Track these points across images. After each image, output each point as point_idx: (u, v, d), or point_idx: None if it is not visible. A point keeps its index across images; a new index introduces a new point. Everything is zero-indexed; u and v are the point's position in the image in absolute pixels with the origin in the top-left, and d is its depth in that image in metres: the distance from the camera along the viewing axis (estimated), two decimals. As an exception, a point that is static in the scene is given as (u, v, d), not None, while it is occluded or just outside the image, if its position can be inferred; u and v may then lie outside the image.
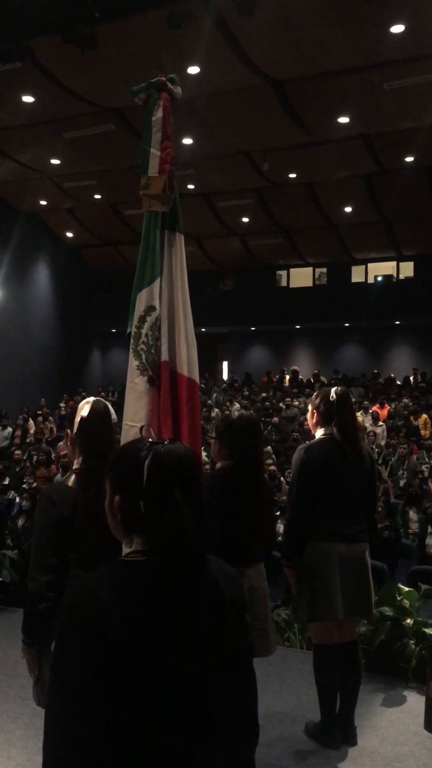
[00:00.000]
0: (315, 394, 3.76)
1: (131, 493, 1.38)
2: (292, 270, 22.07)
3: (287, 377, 19.10)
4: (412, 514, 9.03)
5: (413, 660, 4.42)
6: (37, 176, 15.88)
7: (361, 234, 18.41)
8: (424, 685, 4.00)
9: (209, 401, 16.70)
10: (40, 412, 16.43)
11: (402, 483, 10.70)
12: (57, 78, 10.85)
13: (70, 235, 20.76)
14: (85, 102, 11.69)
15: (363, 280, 20.82)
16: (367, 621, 4.53)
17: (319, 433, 3.61)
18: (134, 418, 3.13)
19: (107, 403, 2.67)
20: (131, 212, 16.98)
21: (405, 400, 15.60)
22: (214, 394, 17.75)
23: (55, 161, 14.85)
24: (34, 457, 12.08)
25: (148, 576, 1.33)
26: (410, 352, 20.25)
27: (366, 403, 14.94)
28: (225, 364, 22.96)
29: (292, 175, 15.59)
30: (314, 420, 3.65)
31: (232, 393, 17.54)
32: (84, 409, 2.57)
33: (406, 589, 4.88)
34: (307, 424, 4.07)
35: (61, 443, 12.51)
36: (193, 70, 10.27)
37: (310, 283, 21.78)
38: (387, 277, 20.41)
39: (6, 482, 11.22)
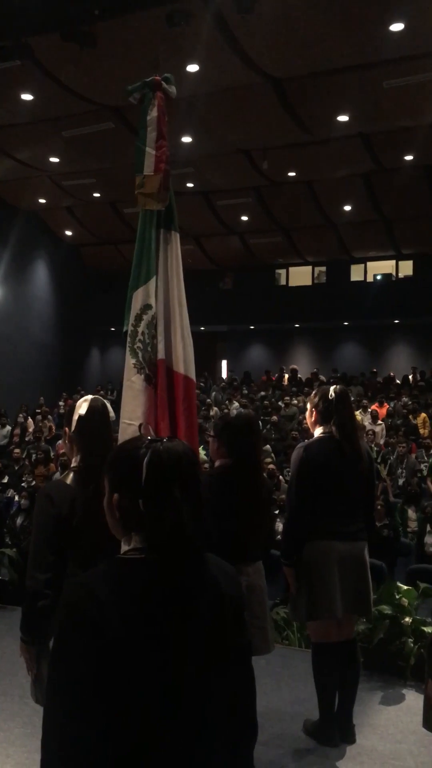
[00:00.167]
0: (314, 392, 3.76)
1: (130, 491, 1.38)
2: (291, 269, 22.07)
3: (286, 376, 19.10)
4: (411, 513, 9.03)
5: (412, 658, 4.42)
6: (37, 174, 15.86)
7: (361, 233, 18.42)
8: (423, 684, 4.00)
9: (208, 400, 16.70)
10: (39, 411, 16.42)
11: (401, 482, 10.71)
12: (56, 76, 10.83)
13: (69, 233, 20.75)
14: (85, 100, 11.67)
15: (362, 278, 20.82)
16: (366, 619, 4.53)
17: (318, 431, 3.61)
18: (131, 416, 3.13)
19: (105, 401, 2.67)
20: (130, 211, 16.96)
21: (404, 399, 15.60)
22: (213, 393, 17.75)
23: (54, 159, 14.83)
24: (33, 456, 12.07)
25: (147, 574, 1.33)
26: (409, 351, 20.26)
27: (365, 401, 14.94)
28: (224, 363, 22.96)
29: (292, 174, 15.59)
30: (313, 418, 3.65)
31: (231, 392, 17.54)
32: (82, 407, 2.57)
33: (405, 587, 4.88)
34: (306, 423, 4.07)
35: (59, 442, 12.52)
36: (193, 68, 10.25)
37: (309, 282, 21.78)
38: (386, 276, 20.42)
39: (5, 481, 11.21)
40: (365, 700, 4.11)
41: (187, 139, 13.11)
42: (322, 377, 17.75)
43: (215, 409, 15.18)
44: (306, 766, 3.44)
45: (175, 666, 1.31)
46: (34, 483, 10.13)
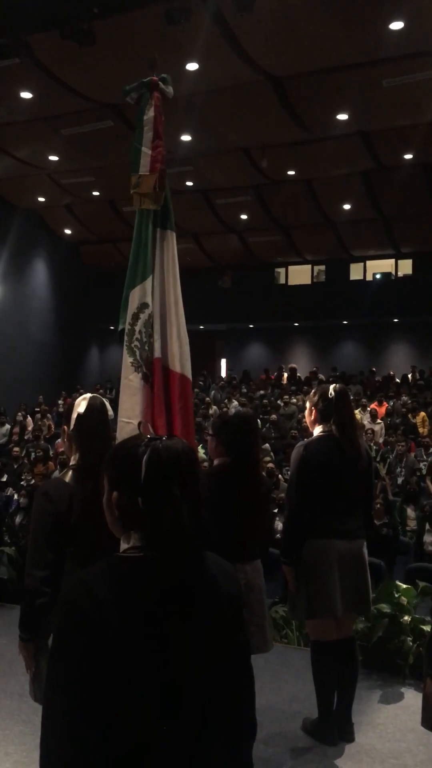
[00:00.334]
0: (313, 391, 3.76)
1: (129, 490, 1.37)
2: (290, 267, 22.06)
3: (285, 375, 19.10)
4: (410, 512, 9.04)
5: (410, 657, 4.42)
6: (35, 173, 15.85)
7: (360, 231, 18.41)
8: (422, 682, 4.00)
9: (207, 398, 16.69)
10: (38, 409, 16.42)
11: (400, 480, 10.71)
12: (55, 74, 10.82)
13: (68, 231, 20.74)
14: (84, 98, 11.66)
15: (361, 277, 20.82)
16: (365, 618, 4.54)
17: (317, 430, 3.61)
18: (129, 415, 3.14)
19: (104, 399, 2.67)
20: (129, 209, 16.87)
21: (404, 398, 15.61)
22: (212, 392, 17.74)
23: (53, 158, 14.81)
24: (32, 454, 12.06)
25: (146, 572, 1.33)
26: (408, 350, 20.26)
27: (364, 400, 14.94)
28: (223, 362, 22.96)
29: (291, 172, 15.58)
30: (312, 417, 3.65)
31: (230, 390, 17.54)
32: (81, 405, 2.56)
33: (404, 586, 4.89)
34: (305, 422, 4.07)
35: (58, 440, 12.51)
36: (192, 66, 10.25)
37: (308, 281, 21.77)
38: (385, 275, 20.41)
39: (4, 479, 11.22)
40: (364, 698, 4.11)
41: (186, 138, 13.10)
42: (321, 376, 17.74)
43: (214, 407, 15.17)
44: (305, 764, 3.44)
45: (175, 665, 1.30)
46: (33, 481, 10.13)
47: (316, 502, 3.48)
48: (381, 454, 11.23)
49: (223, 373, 21.75)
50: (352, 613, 3.68)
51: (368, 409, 14.06)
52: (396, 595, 4.72)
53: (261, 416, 13.88)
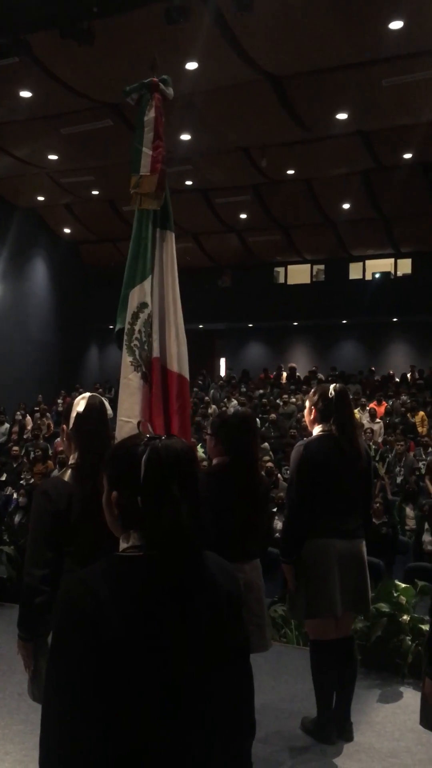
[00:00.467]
0: (313, 390, 3.76)
1: (128, 489, 1.37)
2: (289, 267, 22.06)
3: (284, 374, 19.10)
4: (409, 511, 9.04)
5: (409, 656, 4.43)
6: (35, 172, 15.84)
7: (359, 231, 18.41)
8: (420, 681, 4.01)
9: (206, 398, 16.69)
10: (37, 408, 16.41)
11: (399, 480, 10.71)
12: (54, 73, 10.81)
13: (67, 231, 20.73)
14: (83, 97, 11.65)
15: (361, 277, 20.82)
16: (364, 617, 4.54)
17: (317, 429, 3.61)
18: (129, 414, 3.14)
19: (103, 398, 2.67)
20: (129, 208, 16.77)
21: (403, 397, 15.61)
22: (212, 391, 17.74)
23: (52, 157, 14.81)
24: (32, 454, 12.07)
25: (145, 571, 1.33)
26: (407, 349, 20.27)
27: (363, 400, 14.94)
28: (222, 361, 22.96)
29: (290, 172, 15.58)
30: (312, 417, 3.65)
31: (230, 390, 17.54)
32: (80, 404, 2.56)
33: (403, 585, 4.89)
34: (305, 421, 4.07)
35: (58, 439, 12.51)
36: (191, 65, 10.24)
37: (307, 280, 21.78)
38: (385, 274, 20.42)
39: (3, 478, 11.22)
40: (363, 697, 4.12)
41: (185, 137, 13.10)
42: (320, 375, 17.75)
43: (213, 407, 15.17)
44: (303, 763, 3.45)
45: (174, 665, 1.30)
46: (32, 480, 10.13)
47: (316, 502, 3.49)
48: (380, 454, 11.23)
49: (223, 373, 21.76)
50: (351, 612, 3.69)
51: (367, 408, 14.06)
52: (395, 595, 4.73)
53: (260, 415, 13.89)
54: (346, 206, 17.25)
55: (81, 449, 2.52)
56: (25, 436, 14.40)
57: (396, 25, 9.27)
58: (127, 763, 1.26)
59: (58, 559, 2.39)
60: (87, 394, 2.65)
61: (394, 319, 19.68)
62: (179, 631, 1.32)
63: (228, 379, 19.18)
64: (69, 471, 2.52)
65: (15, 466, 11.81)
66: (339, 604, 3.44)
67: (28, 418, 15.78)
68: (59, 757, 1.24)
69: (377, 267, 20.60)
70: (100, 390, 16.31)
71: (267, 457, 10.46)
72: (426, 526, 8.08)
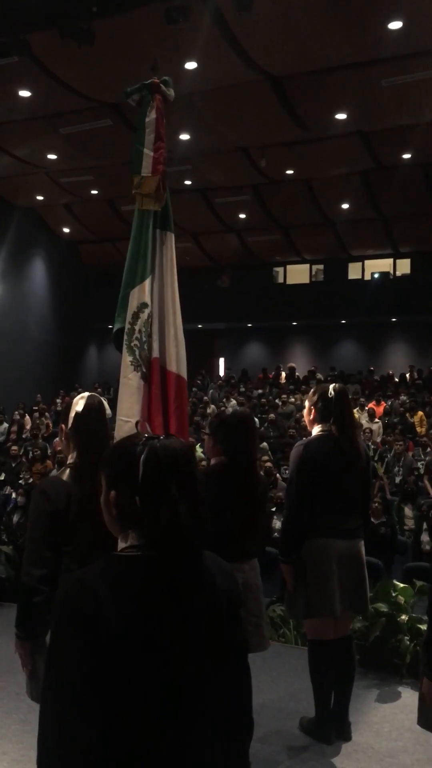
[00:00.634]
0: (312, 390, 3.77)
1: (127, 489, 1.37)
2: (289, 267, 22.06)
3: (283, 374, 19.10)
4: (408, 511, 9.04)
5: (408, 656, 4.43)
6: (34, 171, 15.83)
7: (359, 231, 18.41)
8: (418, 681, 4.01)
9: (205, 398, 16.69)
10: (36, 408, 16.40)
11: (398, 480, 10.72)
12: (54, 73, 10.81)
13: (66, 230, 20.72)
14: (82, 97, 11.65)
15: (360, 277, 20.82)
16: (363, 617, 4.54)
17: (316, 429, 3.62)
18: (128, 414, 3.14)
19: (102, 398, 2.67)
20: (128, 208, 16.86)
21: (402, 397, 15.61)
22: (211, 391, 17.73)
23: (51, 156, 14.81)
24: (30, 453, 12.07)
25: (144, 571, 1.33)
26: (406, 349, 20.27)
27: (362, 399, 14.94)
28: (221, 361, 22.96)
29: (290, 172, 15.58)
30: (311, 416, 3.65)
31: (229, 389, 17.54)
32: (78, 404, 2.56)
33: (401, 585, 4.90)
34: (304, 421, 4.08)
35: (56, 439, 12.50)
36: (191, 65, 10.24)
37: (307, 280, 21.78)
38: (384, 274, 20.42)
39: (2, 478, 11.22)
40: (361, 697, 4.12)
41: (185, 137, 13.10)
42: (319, 375, 17.75)
43: (212, 406, 15.17)
44: (302, 763, 3.45)
45: (174, 665, 1.30)
46: (31, 480, 10.13)
47: (315, 501, 3.49)
48: (379, 454, 11.23)
49: (222, 372, 21.76)
50: (350, 612, 3.69)
51: (366, 408, 14.06)
52: (393, 595, 4.73)
53: (259, 415, 13.89)
54: (345, 206, 17.25)
55: (80, 449, 2.52)
56: (23, 436, 14.39)
57: (395, 25, 9.28)
58: (126, 762, 1.26)
59: (57, 559, 2.39)
60: (86, 394, 2.65)
61: (393, 319, 19.68)
62: (178, 631, 1.32)
63: (227, 379, 19.18)
64: (68, 471, 2.52)
65: (13, 465, 11.81)
66: (338, 604, 3.45)
67: (27, 417, 15.77)
68: (57, 757, 1.24)
69: (376, 267, 20.60)
70: (99, 390, 16.30)
71: (266, 457, 10.46)
72: (424, 526, 8.08)
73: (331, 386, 3.63)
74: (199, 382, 18.50)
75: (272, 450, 11.90)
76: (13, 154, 14.63)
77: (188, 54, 9.84)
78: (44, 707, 1.28)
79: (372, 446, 11.44)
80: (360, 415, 13.12)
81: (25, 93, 11.59)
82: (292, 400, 15.34)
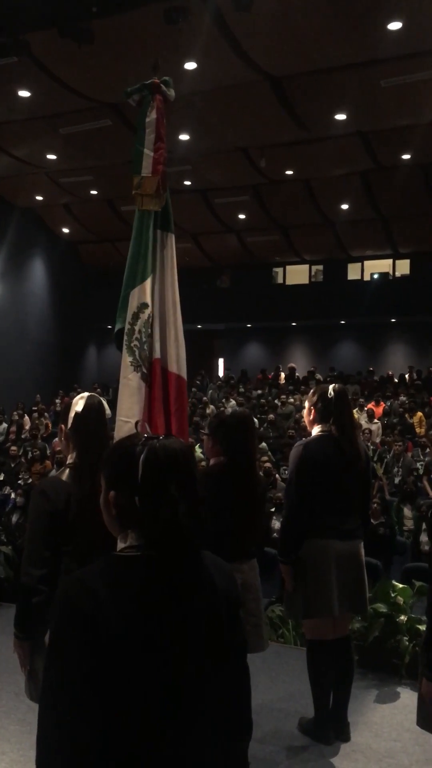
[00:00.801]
0: (312, 391, 3.77)
1: (126, 489, 1.38)
2: (288, 267, 22.07)
3: (282, 375, 19.10)
4: (407, 512, 9.05)
5: (407, 656, 4.43)
6: (34, 171, 15.83)
7: (358, 231, 18.42)
8: (417, 682, 4.01)
9: (204, 398, 16.68)
10: (35, 408, 16.40)
11: (397, 480, 10.72)
12: (53, 73, 10.81)
13: (66, 230, 20.71)
14: (82, 97, 11.65)
15: (359, 277, 20.84)
16: (361, 618, 4.54)
17: (316, 430, 3.62)
18: (128, 414, 3.15)
19: (101, 398, 2.67)
20: (128, 208, 16.93)
21: (402, 398, 15.62)
22: (210, 391, 17.73)
23: (51, 156, 14.80)
24: (29, 453, 12.07)
25: (143, 571, 1.33)
26: (406, 350, 20.28)
27: (361, 400, 14.94)
28: (221, 361, 22.96)
29: (289, 172, 15.58)
30: (311, 417, 3.66)
31: (228, 390, 17.54)
32: (78, 404, 2.57)
33: (400, 586, 4.89)
34: (304, 421, 4.08)
35: (55, 439, 12.50)
36: (190, 66, 10.24)
37: (306, 281, 21.78)
38: (383, 275, 20.43)
39: (1, 478, 11.21)
40: (360, 697, 4.12)
41: (184, 137, 13.09)
42: (318, 376, 17.75)
43: (211, 407, 15.16)
44: (301, 763, 3.45)
45: (174, 664, 1.31)
46: (30, 480, 10.13)
47: (315, 502, 3.49)
48: (378, 454, 11.24)
49: (221, 373, 21.76)
50: (349, 612, 3.69)
51: (365, 408, 14.06)
52: (392, 595, 4.73)
53: (258, 416, 13.89)
54: (344, 207, 17.26)
55: (79, 449, 2.52)
56: (23, 436, 14.39)
57: (395, 25, 9.27)
58: (126, 762, 1.26)
59: (56, 559, 2.39)
60: (85, 394, 2.66)
61: (393, 320, 19.69)
62: (178, 631, 1.32)
63: (226, 380, 19.17)
64: (67, 471, 2.52)
65: (13, 466, 11.81)
66: (336, 604, 3.45)
67: (26, 417, 15.76)
68: (57, 757, 1.24)
69: (376, 268, 20.60)
70: (99, 390, 16.29)
71: (265, 458, 10.46)
72: (424, 526, 8.09)
73: (331, 387, 3.63)
74: (198, 382, 18.49)
75: (271, 450, 11.90)
76: (12, 154, 14.63)
77: (188, 54, 9.84)
78: (43, 707, 1.28)
79: (371, 447, 11.45)
80: (359, 416, 13.12)
81: (24, 93, 11.58)
82: (292, 400, 15.34)
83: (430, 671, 2.24)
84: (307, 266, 21.74)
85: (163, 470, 1.36)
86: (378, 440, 12.54)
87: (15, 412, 15.79)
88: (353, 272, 21.02)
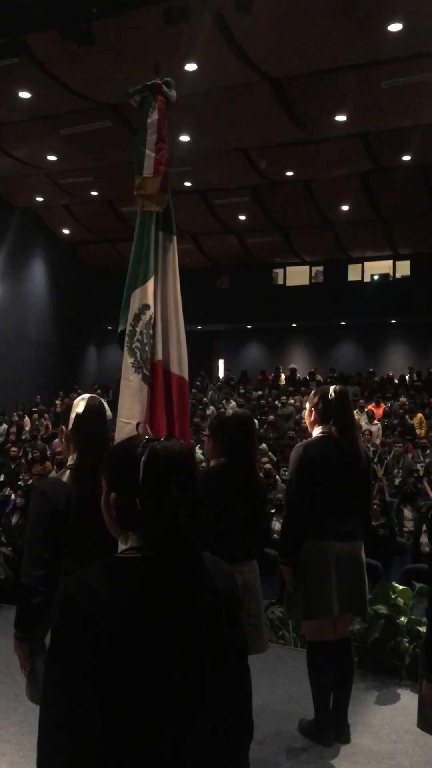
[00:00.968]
0: (313, 392, 3.77)
1: (127, 490, 1.37)
2: (288, 268, 22.07)
3: (282, 376, 19.10)
4: (407, 513, 9.05)
5: (407, 658, 4.43)
6: (34, 172, 15.83)
7: (358, 232, 18.42)
8: (418, 683, 4.01)
9: (205, 399, 16.68)
10: (35, 409, 16.40)
11: (397, 481, 10.72)
12: (54, 74, 10.82)
13: (66, 231, 20.72)
14: (82, 98, 11.66)
15: (359, 278, 20.84)
16: (362, 619, 4.54)
17: (317, 431, 3.61)
18: (128, 415, 3.15)
19: (102, 400, 2.67)
20: (128, 209, 16.94)
21: (402, 399, 15.61)
22: (210, 392, 17.73)
23: (51, 157, 14.81)
24: (29, 454, 12.07)
25: (144, 572, 1.33)
26: (406, 351, 20.28)
27: (362, 401, 14.94)
28: (221, 362, 22.95)
29: (289, 173, 15.58)
30: (312, 418, 3.66)
31: (228, 391, 17.54)
32: (79, 405, 2.57)
33: (400, 587, 4.89)
34: (304, 422, 4.08)
35: (56, 440, 12.50)
36: (191, 66, 10.25)
37: (306, 281, 21.78)
38: (383, 276, 20.44)
39: (1, 479, 11.21)
40: (360, 699, 4.12)
41: (185, 138, 13.10)
42: (318, 377, 17.75)
43: (212, 408, 15.16)
44: (301, 764, 3.44)
45: (174, 665, 1.31)
46: (30, 481, 10.13)
47: (315, 503, 3.49)
48: (378, 455, 11.24)
49: (221, 374, 21.76)
50: (349, 614, 3.69)
51: (365, 410, 14.06)
52: (392, 597, 4.73)
53: (258, 417, 13.88)
54: (345, 208, 17.26)
55: (80, 450, 2.52)
56: (23, 437, 14.39)
57: (395, 27, 9.28)
58: (126, 763, 1.26)
59: (56, 560, 2.39)
60: (86, 396, 2.66)
61: (393, 321, 19.69)
62: (178, 631, 1.32)
63: (226, 381, 19.17)
64: (68, 472, 2.52)
65: (13, 466, 11.81)
66: (335, 605, 3.44)
67: (26, 418, 15.76)
68: (57, 758, 1.24)
69: (376, 269, 20.61)
70: (99, 392, 16.29)
71: (265, 459, 10.46)
72: (424, 527, 8.08)
73: (332, 388, 3.63)
74: (198, 383, 18.49)
75: (272, 451, 11.91)
76: (12, 155, 14.63)
77: (188, 55, 9.84)
78: (44, 708, 1.29)
79: (371, 448, 11.45)
80: (359, 417, 13.12)
81: (25, 94, 11.59)
82: (292, 401, 15.34)
83: (431, 673, 2.23)
84: (307, 267, 21.74)
85: (164, 472, 1.36)
86: (378, 441, 12.54)
87: (15, 413, 15.79)
88: (353, 273, 21.02)
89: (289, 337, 21.89)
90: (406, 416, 14.20)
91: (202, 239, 20.16)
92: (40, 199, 18.21)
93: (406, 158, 14.36)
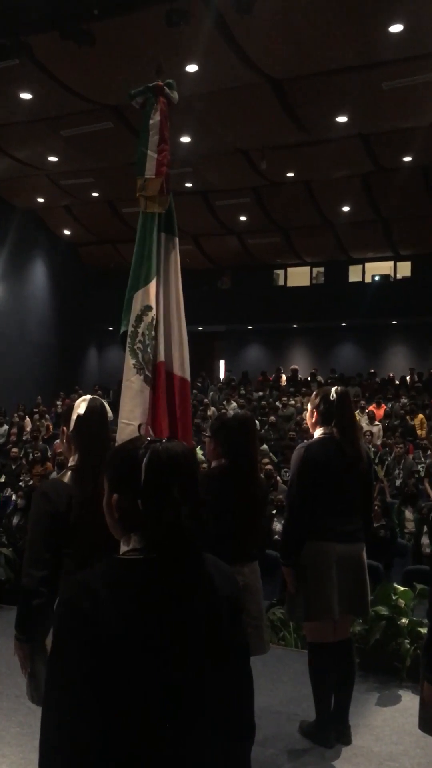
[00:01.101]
0: (315, 393, 3.77)
1: (129, 492, 1.38)
2: (289, 269, 22.07)
3: (283, 376, 19.10)
4: (408, 514, 9.03)
5: (408, 659, 4.43)
6: (35, 173, 15.84)
7: (359, 233, 18.42)
8: (419, 685, 4.00)
9: (205, 400, 16.68)
10: (36, 410, 16.40)
11: (398, 483, 10.71)
12: (55, 75, 10.82)
13: (67, 232, 20.73)
14: (83, 99, 11.66)
15: (360, 279, 20.83)
16: (363, 620, 4.53)
17: (318, 432, 3.61)
18: (130, 417, 3.15)
19: (103, 401, 2.67)
20: (129, 210, 16.95)
21: (403, 400, 15.61)
22: (211, 393, 17.72)
23: (52, 158, 14.82)
24: (30, 455, 12.06)
25: (145, 574, 1.33)
26: (407, 352, 20.28)
27: (362, 402, 14.94)
28: (222, 363, 22.95)
29: (290, 174, 15.59)
30: (314, 419, 3.66)
31: (229, 392, 17.53)
32: (81, 407, 2.57)
33: (402, 588, 4.89)
34: (305, 423, 4.08)
35: (56, 441, 12.50)
36: (192, 68, 10.25)
37: (307, 282, 21.78)
38: (384, 277, 20.43)
39: (2, 480, 11.21)
40: (361, 700, 4.11)
41: (185, 139, 13.11)
42: (319, 378, 17.75)
43: (212, 409, 15.16)
44: (302, 766, 3.44)
45: (174, 666, 1.31)
46: (31, 482, 10.12)
47: (316, 504, 3.49)
48: (379, 456, 11.23)
49: (222, 375, 21.75)
50: (350, 615, 3.69)
51: (366, 411, 14.05)
52: (393, 598, 4.73)
53: (259, 418, 13.88)
54: (345, 209, 17.26)
55: (81, 451, 2.52)
56: (23, 438, 14.39)
57: (396, 28, 9.28)
58: (126, 763, 1.27)
59: (57, 561, 2.39)
60: (88, 397, 2.66)
61: (394, 322, 19.69)
62: (179, 632, 1.32)
63: (227, 381, 19.17)
64: (69, 473, 2.52)
65: (13, 467, 11.80)
66: (336, 606, 3.44)
67: (27, 419, 15.77)
68: (57, 758, 1.25)
69: (377, 269, 20.61)
70: (99, 392, 16.29)
71: (266, 460, 10.45)
72: (425, 528, 8.07)
73: (333, 389, 3.63)
74: (199, 384, 18.48)
75: (273, 452, 11.90)
76: (13, 156, 14.64)
77: (189, 56, 9.85)
78: (45, 708, 1.29)
79: (372, 449, 11.44)
80: (360, 418, 13.11)
81: (26, 95, 11.60)
82: (293, 402, 15.34)
83: (432, 674, 2.23)
84: (308, 268, 21.74)
85: (166, 473, 1.36)
86: (379, 442, 12.53)
87: (16, 414, 15.80)
88: (354, 274, 21.02)
89: (289, 338, 21.89)
90: (407, 417, 14.19)
91: (203, 240, 20.17)
92: (41, 200, 18.22)
93: (407, 159, 14.37)
